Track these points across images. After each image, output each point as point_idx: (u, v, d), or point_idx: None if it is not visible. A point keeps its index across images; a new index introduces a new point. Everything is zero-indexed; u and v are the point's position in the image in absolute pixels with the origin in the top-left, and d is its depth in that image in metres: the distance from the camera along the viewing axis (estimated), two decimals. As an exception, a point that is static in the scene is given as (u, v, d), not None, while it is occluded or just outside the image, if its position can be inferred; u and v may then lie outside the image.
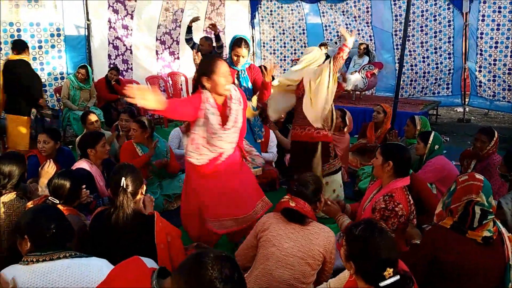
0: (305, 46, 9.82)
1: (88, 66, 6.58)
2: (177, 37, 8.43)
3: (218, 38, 6.24)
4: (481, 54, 7.93)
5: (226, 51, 8.07)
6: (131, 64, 7.88)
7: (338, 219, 2.87)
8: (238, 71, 3.76)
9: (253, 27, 10.14)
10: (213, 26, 6.18)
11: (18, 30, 6.16)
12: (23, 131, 4.98)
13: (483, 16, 7.72)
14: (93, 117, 4.57)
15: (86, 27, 6.86)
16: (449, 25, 8.08)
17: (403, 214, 2.60)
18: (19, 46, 5.07)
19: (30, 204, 2.41)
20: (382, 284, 1.58)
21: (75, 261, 1.85)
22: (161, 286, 1.41)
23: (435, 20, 8.20)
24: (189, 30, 6.35)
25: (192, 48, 6.43)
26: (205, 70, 2.78)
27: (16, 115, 5.02)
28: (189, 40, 6.41)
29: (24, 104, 5.06)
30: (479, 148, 3.92)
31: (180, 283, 1.32)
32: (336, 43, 8.98)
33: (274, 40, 10.25)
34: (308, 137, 3.92)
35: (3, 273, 1.85)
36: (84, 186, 2.78)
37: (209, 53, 6.19)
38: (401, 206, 2.59)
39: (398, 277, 1.60)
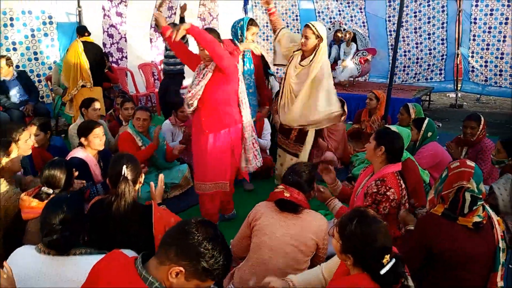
0: (298, 32, 9.77)
1: None
2: (172, 25, 8.38)
3: (182, 20, 6.21)
4: (474, 40, 7.96)
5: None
6: (126, 52, 7.81)
7: (329, 204, 2.92)
8: (244, 52, 3.83)
9: (246, 12, 10.06)
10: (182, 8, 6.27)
11: (11, 19, 6.07)
12: (101, 98, 5.60)
13: (477, 1, 7.73)
14: (97, 104, 4.47)
15: (77, 14, 6.78)
16: (443, 11, 8.08)
17: (395, 199, 2.65)
18: (84, 30, 5.88)
19: (24, 195, 2.41)
20: (382, 271, 1.62)
21: (83, 258, 1.87)
22: (147, 269, 1.47)
23: (428, 5, 8.19)
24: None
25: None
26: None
27: (96, 86, 5.66)
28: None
29: (101, 76, 5.91)
30: (470, 134, 3.97)
31: (171, 255, 1.42)
32: (329, 29, 8.95)
33: (267, 26, 10.15)
34: None
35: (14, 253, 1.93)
36: (76, 172, 2.77)
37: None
38: (393, 191, 2.64)
39: (394, 261, 1.66)
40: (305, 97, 3.74)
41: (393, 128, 3.48)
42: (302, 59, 3.78)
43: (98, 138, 3.49)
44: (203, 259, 1.39)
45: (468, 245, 2.17)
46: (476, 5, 7.74)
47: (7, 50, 6.11)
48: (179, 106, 4.80)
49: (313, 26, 3.66)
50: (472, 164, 2.30)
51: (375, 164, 2.85)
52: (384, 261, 1.64)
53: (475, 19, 7.83)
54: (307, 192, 2.54)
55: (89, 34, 5.86)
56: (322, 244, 2.46)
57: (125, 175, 2.31)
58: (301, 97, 3.74)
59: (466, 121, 4.04)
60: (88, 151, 3.52)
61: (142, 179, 2.47)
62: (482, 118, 3.98)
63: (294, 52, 3.86)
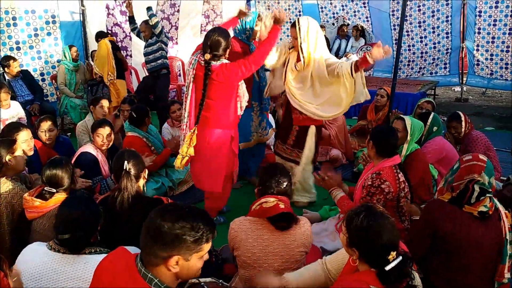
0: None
1: (75, 46, 6.48)
2: (175, 23, 8.30)
3: (132, 20, 6.12)
4: (479, 33, 7.90)
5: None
6: (130, 50, 7.81)
7: (332, 192, 2.94)
8: (249, 46, 3.88)
9: (249, 8, 10.04)
10: (128, 5, 6.08)
11: (14, 19, 6.09)
12: (125, 90, 6.41)
13: (482, -7, 7.68)
14: (104, 102, 4.54)
15: (81, 12, 6.79)
16: (447, 4, 8.02)
17: (390, 191, 2.67)
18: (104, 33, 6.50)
19: (26, 196, 2.41)
20: (387, 267, 1.62)
21: (93, 257, 1.89)
22: (145, 265, 1.50)
23: (432, -1, 8.15)
24: (132, 20, 6.16)
25: (137, 35, 6.26)
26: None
27: (121, 79, 6.27)
28: (133, 30, 6.26)
29: (122, 71, 6.40)
30: (456, 134, 4.06)
31: (159, 254, 1.46)
32: (333, 24, 8.93)
33: (270, 22, 10.15)
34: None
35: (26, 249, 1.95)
36: (81, 172, 2.80)
37: (150, 38, 6.02)
38: (388, 184, 2.67)
39: (400, 258, 1.65)
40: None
41: (407, 118, 3.47)
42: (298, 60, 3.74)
43: (99, 137, 3.59)
44: (185, 236, 1.44)
45: (472, 231, 2.21)
46: (481, -2, 7.69)
47: (11, 49, 6.13)
48: (168, 108, 4.88)
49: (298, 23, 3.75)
50: (485, 158, 2.34)
51: (373, 158, 2.89)
52: (390, 257, 1.63)
53: (480, 12, 7.76)
54: (291, 198, 2.38)
55: (112, 35, 6.64)
56: (309, 248, 2.34)
57: (127, 169, 2.35)
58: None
59: (447, 123, 4.12)
60: (97, 147, 3.62)
61: (145, 174, 2.49)
62: (462, 115, 4.07)
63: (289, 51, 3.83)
